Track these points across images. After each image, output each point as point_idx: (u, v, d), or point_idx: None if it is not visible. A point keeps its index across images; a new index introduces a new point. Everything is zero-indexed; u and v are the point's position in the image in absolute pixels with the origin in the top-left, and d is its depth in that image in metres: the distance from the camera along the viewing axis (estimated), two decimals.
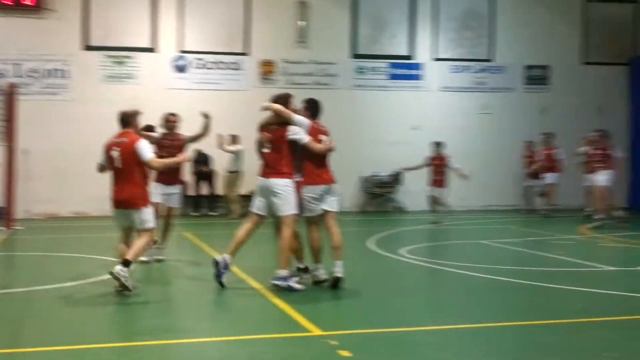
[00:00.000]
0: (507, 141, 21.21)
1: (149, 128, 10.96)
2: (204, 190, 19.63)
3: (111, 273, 8.02)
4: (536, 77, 21.93)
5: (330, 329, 6.70)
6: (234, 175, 18.06)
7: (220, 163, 18.83)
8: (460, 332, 6.76)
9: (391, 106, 21.01)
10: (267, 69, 20.30)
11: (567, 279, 9.55)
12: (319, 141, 8.48)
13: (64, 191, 18.56)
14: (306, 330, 6.68)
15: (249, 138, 18.81)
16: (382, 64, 21.05)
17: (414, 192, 19.46)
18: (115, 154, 8.37)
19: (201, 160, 18.86)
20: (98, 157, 8.13)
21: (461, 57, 21.54)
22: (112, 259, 10.91)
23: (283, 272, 8.35)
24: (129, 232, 8.64)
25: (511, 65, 21.77)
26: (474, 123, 21.28)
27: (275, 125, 8.40)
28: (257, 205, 8.59)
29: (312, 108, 8.82)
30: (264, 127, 8.54)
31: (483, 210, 20.74)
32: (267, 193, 8.41)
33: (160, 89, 19.36)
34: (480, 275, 9.78)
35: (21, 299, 8.31)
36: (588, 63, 22.23)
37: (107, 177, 8.65)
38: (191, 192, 19.03)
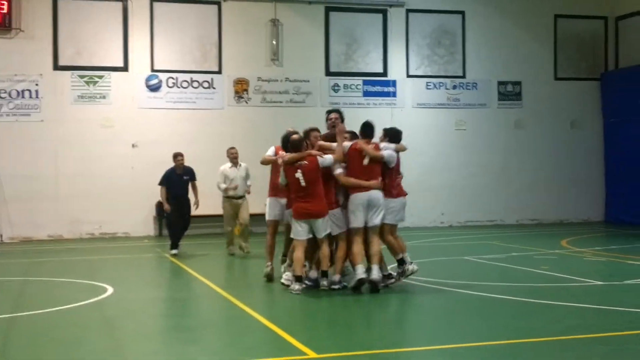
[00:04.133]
0: (482, 156, 21.27)
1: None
2: None
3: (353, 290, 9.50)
4: (509, 93, 22.00)
5: (324, 352, 6.51)
6: None
7: None
8: (456, 352, 6.61)
9: None
10: (240, 87, 20.12)
11: (557, 294, 9.47)
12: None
13: (37, 214, 18.09)
14: (302, 354, 6.48)
15: (222, 157, 18.71)
16: (356, 81, 20.97)
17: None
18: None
19: None
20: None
21: (435, 74, 21.54)
22: (93, 282, 10.70)
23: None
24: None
25: (484, 82, 21.81)
26: (449, 139, 21.27)
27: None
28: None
29: (392, 135, 10.77)
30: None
31: (462, 226, 20.71)
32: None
33: (133, 109, 19.09)
34: (470, 292, 9.66)
35: (4, 326, 7.89)
36: (560, 78, 22.38)
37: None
38: None
